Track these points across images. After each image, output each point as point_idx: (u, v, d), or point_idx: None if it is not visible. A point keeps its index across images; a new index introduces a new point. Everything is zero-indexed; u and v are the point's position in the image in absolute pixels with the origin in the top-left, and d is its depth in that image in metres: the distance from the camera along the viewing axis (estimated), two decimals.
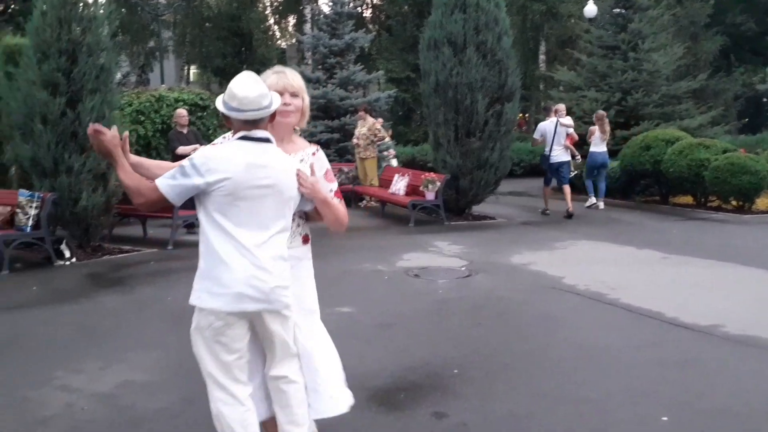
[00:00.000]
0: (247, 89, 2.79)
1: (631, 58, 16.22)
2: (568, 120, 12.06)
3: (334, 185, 3.14)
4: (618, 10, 17.05)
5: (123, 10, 22.69)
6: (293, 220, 2.97)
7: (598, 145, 12.85)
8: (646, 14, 16.85)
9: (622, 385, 4.20)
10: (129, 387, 4.21)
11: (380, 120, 13.69)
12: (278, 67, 3.17)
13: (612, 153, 15.00)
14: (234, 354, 2.85)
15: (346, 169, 13.55)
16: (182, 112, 10.58)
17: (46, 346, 5.11)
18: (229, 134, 3.06)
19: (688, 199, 13.32)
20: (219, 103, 2.89)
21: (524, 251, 8.53)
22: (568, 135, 11.98)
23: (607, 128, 12.96)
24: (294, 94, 3.02)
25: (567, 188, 11.95)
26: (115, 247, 8.81)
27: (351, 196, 13.63)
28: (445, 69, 11.10)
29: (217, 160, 2.74)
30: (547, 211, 12.23)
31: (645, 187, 14.42)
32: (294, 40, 32.70)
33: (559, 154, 11.91)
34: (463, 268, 7.60)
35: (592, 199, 13.01)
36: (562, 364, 4.59)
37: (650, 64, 16.22)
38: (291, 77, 3.06)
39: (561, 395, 4.05)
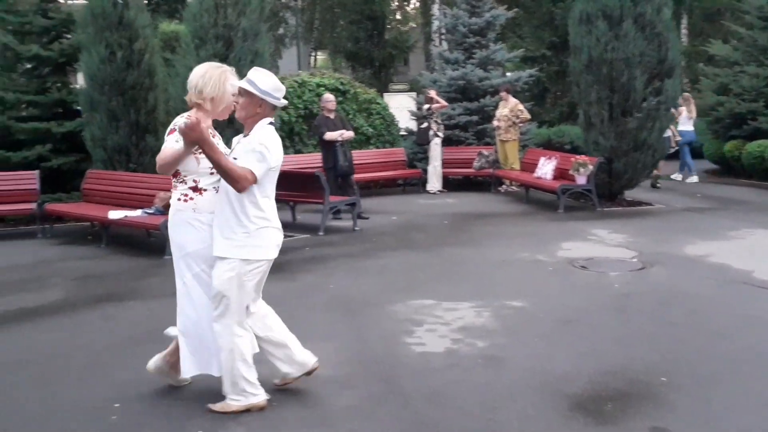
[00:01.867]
0: (281, 83, 3.65)
1: None
2: None
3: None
4: None
5: None
6: None
7: (685, 124, 13.81)
8: None
9: None
10: (313, 381, 4.03)
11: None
12: (220, 65, 3.77)
13: None
14: (258, 291, 3.72)
15: (486, 153, 13.08)
16: (330, 97, 10.48)
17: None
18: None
19: None
20: (262, 90, 3.55)
21: (697, 241, 7.83)
22: None
23: (693, 108, 14.04)
24: None
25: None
26: None
27: (491, 181, 13.24)
28: (599, 44, 10.41)
29: (275, 146, 3.57)
30: (658, 184, 12.85)
31: None
32: (412, 24, 32.47)
33: None
34: (634, 260, 7.04)
35: (694, 177, 13.76)
36: None
37: None
38: None
39: None
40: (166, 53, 9.52)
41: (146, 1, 9.62)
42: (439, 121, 12.80)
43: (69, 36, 11.06)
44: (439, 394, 3.81)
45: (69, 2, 11.72)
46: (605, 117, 10.62)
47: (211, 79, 3.58)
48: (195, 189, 3.61)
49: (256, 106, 3.58)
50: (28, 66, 11.34)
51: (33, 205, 9.37)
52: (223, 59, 7.94)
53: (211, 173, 3.56)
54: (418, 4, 33.30)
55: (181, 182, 3.63)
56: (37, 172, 9.85)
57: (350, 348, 4.65)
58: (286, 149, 12.27)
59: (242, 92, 3.59)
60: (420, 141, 13.14)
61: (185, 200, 3.62)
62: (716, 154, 14.81)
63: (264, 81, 3.58)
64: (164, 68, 8.86)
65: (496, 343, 4.61)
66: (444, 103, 12.85)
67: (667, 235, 8.22)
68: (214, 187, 3.61)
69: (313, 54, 34.91)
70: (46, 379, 4.20)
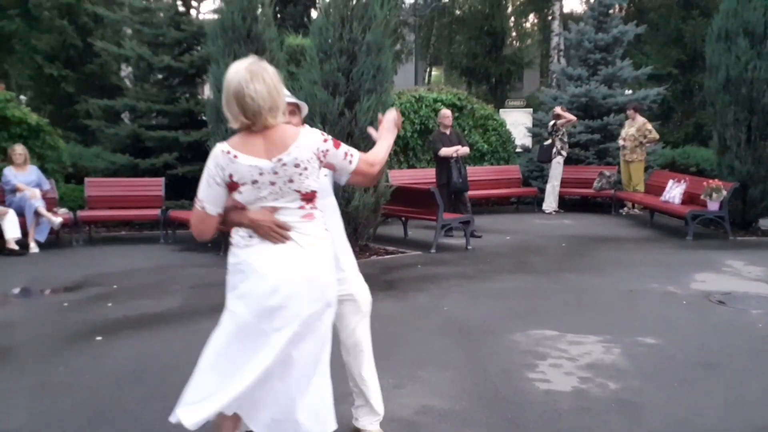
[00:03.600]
0: None
1: None
2: None
3: None
4: None
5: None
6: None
7: None
8: None
9: None
10: (430, 414, 3.84)
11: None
12: (255, 62, 2.80)
13: None
14: None
15: (607, 173, 12.52)
16: (447, 112, 10.30)
17: (336, 353, 4.95)
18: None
19: None
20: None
21: None
22: None
23: None
24: None
25: None
26: (380, 247, 8.77)
27: (611, 202, 12.66)
28: (740, 63, 9.75)
29: None
30: None
31: None
32: (530, 40, 31.85)
33: None
34: None
35: None
36: None
37: None
38: None
39: None
40: (291, 67, 9.63)
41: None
42: (565, 139, 12.35)
43: (199, 48, 11.47)
44: None
45: (201, 16, 12.16)
46: (742, 140, 9.94)
47: (278, 90, 2.74)
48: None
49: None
50: (160, 76, 11.84)
51: (158, 211, 9.70)
52: (347, 73, 7.95)
53: None
54: (536, 21, 32.72)
55: (316, 209, 2.83)
56: (163, 179, 10.22)
57: (468, 379, 4.41)
58: (401, 164, 12.27)
59: (296, 110, 3.18)
60: (541, 158, 12.73)
61: (328, 230, 2.89)
62: None
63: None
64: (288, 82, 8.93)
65: (630, 385, 4.24)
66: (571, 117, 12.36)
67: None
68: None
69: (428, 69, 34.96)
70: (163, 392, 4.17)
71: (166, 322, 5.73)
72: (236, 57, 9.18)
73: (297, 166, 2.69)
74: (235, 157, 2.65)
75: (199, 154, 10.84)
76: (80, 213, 9.53)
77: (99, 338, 5.23)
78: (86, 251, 9.06)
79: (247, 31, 9.33)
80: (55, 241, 9.34)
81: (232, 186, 2.68)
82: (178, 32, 11.39)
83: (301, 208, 2.76)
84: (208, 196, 2.70)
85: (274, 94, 2.69)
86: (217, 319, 5.89)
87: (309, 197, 2.77)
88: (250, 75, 2.67)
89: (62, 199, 9.91)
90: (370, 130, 3.23)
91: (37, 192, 8.95)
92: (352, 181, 3.01)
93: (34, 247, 8.73)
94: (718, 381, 4.35)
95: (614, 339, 5.15)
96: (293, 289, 2.67)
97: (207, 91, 12.54)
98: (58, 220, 8.87)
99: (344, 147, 2.85)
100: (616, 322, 5.63)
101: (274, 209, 2.72)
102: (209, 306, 6.23)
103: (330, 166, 2.87)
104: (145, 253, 8.84)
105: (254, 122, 2.67)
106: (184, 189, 10.87)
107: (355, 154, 2.88)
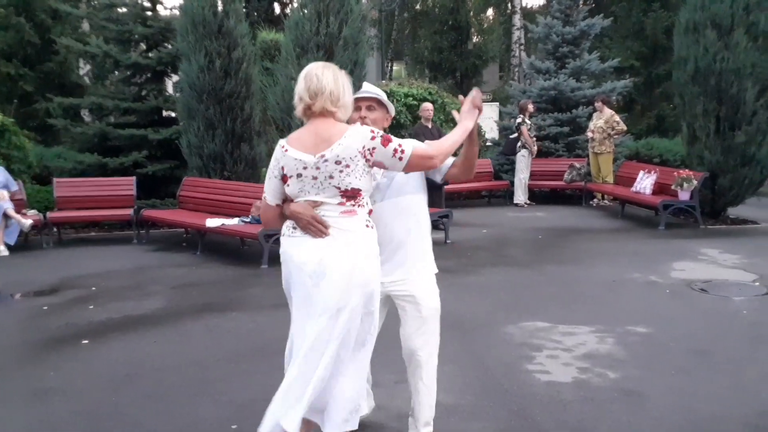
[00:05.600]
0: None
1: None
2: None
3: None
4: None
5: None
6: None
7: None
8: None
9: None
10: (436, 409, 3.80)
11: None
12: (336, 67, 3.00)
13: None
14: None
15: (578, 165, 12.65)
16: (428, 105, 10.29)
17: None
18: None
19: None
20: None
21: None
22: None
23: None
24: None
25: None
26: None
27: (582, 194, 12.80)
28: (708, 54, 9.90)
29: None
30: None
31: None
32: (494, 34, 32.01)
33: None
34: (756, 284, 6.57)
35: None
36: None
37: None
38: None
39: None
40: (265, 62, 9.52)
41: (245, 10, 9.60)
42: (532, 133, 12.43)
43: (167, 44, 11.24)
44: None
45: (166, 11, 11.92)
46: (711, 130, 10.10)
47: (344, 85, 2.88)
48: (370, 212, 2.92)
49: (387, 121, 3.23)
50: (118, 74, 11.58)
51: (130, 211, 9.49)
52: None
53: None
54: (494, 15, 32.86)
55: (360, 206, 2.83)
56: (134, 178, 9.98)
57: (469, 373, 4.40)
58: None
59: (375, 106, 3.15)
60: (507, 152, 12.80)
61: (372, 227, 2.88)
62: None
63: (384, 94, 3.21)
64: (262, 77, 8.84)
65: (629, 374, 4.28)
66: (529, 139, 12.35)
67: None
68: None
69: (389, 65, 34.89)
70: (160, 394, 4.10)
71: (153, 323, 5.60)
72: (207, 53, 9.17)
73: (338, 163, 2.74)
74: (286, 150, 2.82)
75: (170, 152, 10.65)
76: (50, 214, 9.24)
77: (85, 342, 5.10)
78: (58, 253, 8.82)
79: (218, 26, 9.22)
80: (24, 244, 9.07)
81: (283, 179, 2.83)
82: (145, 28, 11.14)
83: (341, 204, 2.79)
84: (268, 188, 2.90)
85: (339, 84, 2.84)
86: (203, 319, 5.83)
87: (350, 194, 2.79)
88: (323, 65, 2.90)
89: (28, 201, 9.62)
90: (455, 113, 3.06)
91: (5, 194, 8.67)
92: (447, 176, 3.11)
93: (3, 250, 8.46)
94: (713, 368, 4.41)
95: (606, 329, 5.19)
96: (323, 281, 2.75)
97: (170, 89, 12.32)
98: (28, 222, 8.61)
99: (395, 143, 2.81)
100: (604, 312, 5.68)
101: (316, 204, 2.79)
102: (193, 306, 6.15)
103: (379, 165, 2.85)
104: (120, 254, 8.64)
105: (314, 102, 2.79)
106: (153, 187, 10.67)
107: (408, 150, 2.82)
